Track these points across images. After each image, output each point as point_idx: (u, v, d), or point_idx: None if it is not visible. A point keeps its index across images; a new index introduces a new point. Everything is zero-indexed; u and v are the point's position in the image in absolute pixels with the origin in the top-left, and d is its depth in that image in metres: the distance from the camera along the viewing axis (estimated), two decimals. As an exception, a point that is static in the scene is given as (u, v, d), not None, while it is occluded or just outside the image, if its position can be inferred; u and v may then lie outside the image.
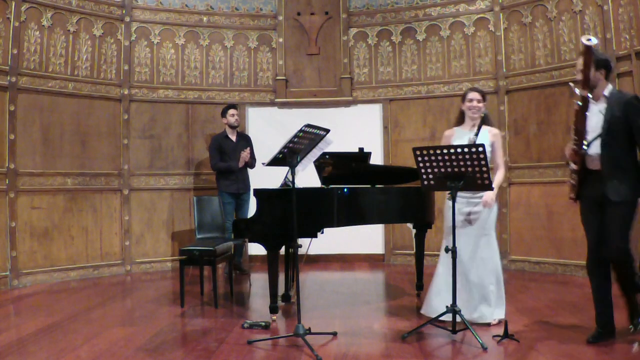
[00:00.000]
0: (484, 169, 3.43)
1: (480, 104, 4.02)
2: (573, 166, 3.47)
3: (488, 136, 3.98)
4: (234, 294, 5.02)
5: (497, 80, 6.44)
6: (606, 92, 3.38)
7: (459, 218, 3.87)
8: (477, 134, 3.81)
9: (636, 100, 3.33)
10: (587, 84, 3.35)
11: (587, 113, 3.38)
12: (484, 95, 4.07)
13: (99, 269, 6.22)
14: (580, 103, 3.36)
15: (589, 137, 3.37)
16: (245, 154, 6.01)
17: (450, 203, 3.76)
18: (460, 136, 4.05)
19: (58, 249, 5.93)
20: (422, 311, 4.18)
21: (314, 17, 7.09)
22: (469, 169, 3.45)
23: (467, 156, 3.42)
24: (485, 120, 4.00)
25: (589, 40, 3.27)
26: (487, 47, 6.53)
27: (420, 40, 6.88)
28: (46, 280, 5.75)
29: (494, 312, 3.91)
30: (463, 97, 4.11)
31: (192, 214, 6.32)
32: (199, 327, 3.96)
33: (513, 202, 6.33)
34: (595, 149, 3.35)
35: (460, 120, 4.15)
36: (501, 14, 6.42)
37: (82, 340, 3.58)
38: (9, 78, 5.55)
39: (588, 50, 3.29)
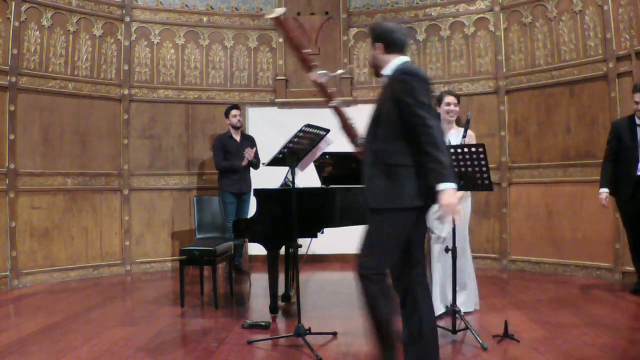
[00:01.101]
0: (484, 168, 3.43)
1: (456, 107, 4.17)
2: None
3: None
4: (234, 294, 5.02)
5: (497, 80, 6.43)
6: (387, 71, 2.66)
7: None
8: (464, 136, 3.85)
9: (409, 74, 2.54)
10: (305, 64, 2.98)
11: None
12: (458, 98, 4.24)
13: (99, 269, 6.22)
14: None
15: None
16: (250, 152, 6.02)
17: None
18: None
19: (58, 249, 5.93)
20: None
21: (314, 17, 7.09)
22: (469, 169, 3.45)
23: (467, 156, 3.42)
24: (460, 122, 4.19)
25: (272, 12, 2.90)
26: (487, 47, 6.53)
27: (420, 40, 6.88)
28: (46, 280, 5.75)
29: (471, 299, 4.18)
30: (439, 100, 4.23)
31: (192, 214, 6.32)
32: (199, 327, 3.96)
33: (513, 202, 6.33)
34: None
35: None
36: (501, 14, 6.41)
37: (82, 340, 3.58)
38: (9, 78, 5.55)
39: (278, 24, 2.90)
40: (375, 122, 2.63)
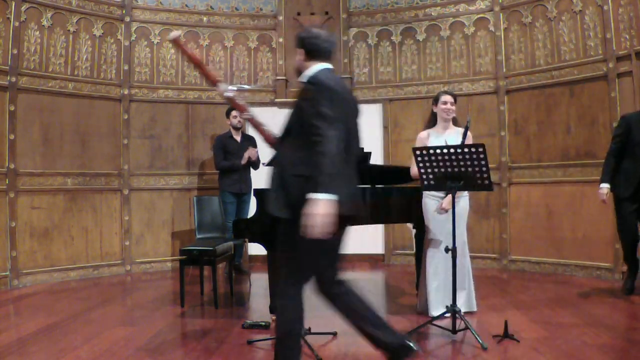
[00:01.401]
0: (484, 169, 3.44)
1: (453, 107, 4.17)
2: None
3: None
4: (234, 294, 5.03)
5: (497, 80, 6.43)
6: (303, 78, 2.63)
7: (440, 214, 4.05)
8: (463, 140, 3.84)
9: (315, 83, 2.51)
10: (209, 80, 3.14)
11: None
12: (455, 98, 4.24)
13: (99, 269, 6.22)
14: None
15: None
16: (252, 152, 6.02)
17: (429, 202, 4.12)
18: (435, 138, 4.15)
19: (58, 249, 5.93)
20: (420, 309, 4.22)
21: (314, 17, 7.08)
22: (469, 169, 3.45)
23: (467, 156, 3.43)
24: (458, 122, 4.20)
25: (169, 36, 3.08)
26: (487, 47, 6.53)
27: (420, 40, 6.88)
28: (46, 280, 5.75)
29: (471, 298, 4.19)
30: (436, 99, 4.23)
31: (192, 214, 6.32)
32: (199, 327, 3.96)
33: (513, 202, 6.33)
34: None
35: (433, 122, 4.27)
36: (501, 14, 6.41)
37: (82, 340, 3.58)
38: (9, 78, 5.55)
39: (176, 44, 3.07)
40: (286, 130, 2.59)
